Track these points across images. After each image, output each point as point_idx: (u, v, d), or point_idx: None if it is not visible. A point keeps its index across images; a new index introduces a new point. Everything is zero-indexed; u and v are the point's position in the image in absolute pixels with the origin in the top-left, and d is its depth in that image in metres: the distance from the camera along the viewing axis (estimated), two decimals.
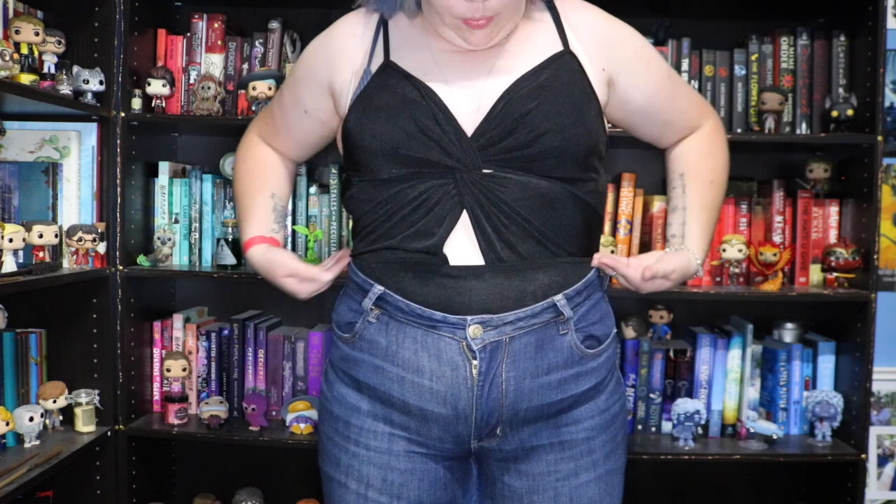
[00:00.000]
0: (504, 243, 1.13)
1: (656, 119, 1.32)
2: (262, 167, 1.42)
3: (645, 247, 2.13)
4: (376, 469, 1.19)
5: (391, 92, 1.16)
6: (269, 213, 1.39)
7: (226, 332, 2.20)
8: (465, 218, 1.14)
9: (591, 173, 1.19)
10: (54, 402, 1.92)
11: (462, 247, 1.14)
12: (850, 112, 2.04)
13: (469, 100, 1.15)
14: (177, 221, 2.18)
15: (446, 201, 1.13)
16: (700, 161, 1.35)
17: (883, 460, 2.33)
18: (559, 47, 1.19)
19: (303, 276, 1.32)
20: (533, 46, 1.19)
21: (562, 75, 1.17)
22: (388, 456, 1.18)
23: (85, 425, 1.97)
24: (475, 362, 1.13)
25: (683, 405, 2.05)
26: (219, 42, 2.17)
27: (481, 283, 1.13)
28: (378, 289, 1.16)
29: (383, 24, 1.24)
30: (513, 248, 1.13)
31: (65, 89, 1.87)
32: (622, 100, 1.26)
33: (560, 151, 1.14)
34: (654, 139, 1.37)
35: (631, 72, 1.25)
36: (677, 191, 1.35)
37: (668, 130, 1.35)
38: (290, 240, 2.16)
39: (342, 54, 1.24)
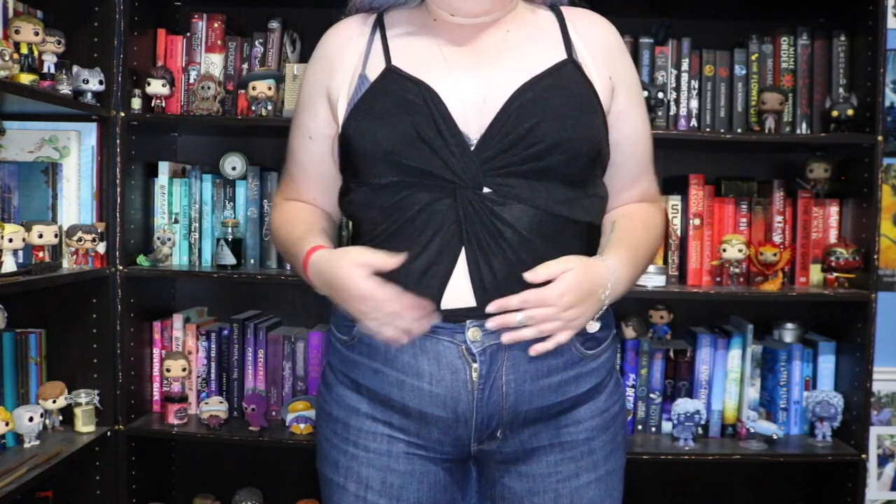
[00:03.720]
0: (497, 290, 1.11)
1: (628, 168, 1.26)
2: (299, 215, 1.30)
3: None
4: (375, 471, 1.18)
5: (392, 97, 1.15)
6: (325, 237, 1.24)
7: (226, 332, 2.20)
8: (462, 257, 1.11)
9: (593, 183, 1.19)
10: (54, 402, 1.92)
11: (457, 288, 1.12)
12: (850, 112, 2.04)
13: (473, 103, 1.14)
14: (177, 221, 2.18)
15: (444, 215, 1.11)
16: (636, 213, 1.27)
17: (883, 460, 2.33)
18: (563, 55, 1.18)
19: (374, 265, 1.10)
20: (535, 50, 1.19)
21: (564, 86, 1.15)
22: (388, 458, 1.18)
23: (85, 425, 1.97)
24: (475, 366, 1.12)
25: (683, 405, 2.05)
26: (219, 42, 2.17)
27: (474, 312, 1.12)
28: None
29: (380, 27, 1.23)
30: (507, 292, 1.11)
31: (64, 89, 1.87)
32: (612, 123, 1.21)
33: (564, 165, 1.12)
34: (612, 191, 1.26)
35: (628, 99, 1.23)
36: (605, 234, 1.23)
37: (630, 186, 1.27)
38: None
39: (338, 59, 1.23)
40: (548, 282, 1.09)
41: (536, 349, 1.11)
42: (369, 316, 1.10)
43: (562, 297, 1.09)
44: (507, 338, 1.10)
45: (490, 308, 1.10)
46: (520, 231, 1.11)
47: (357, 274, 1.09)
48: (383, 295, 1.08)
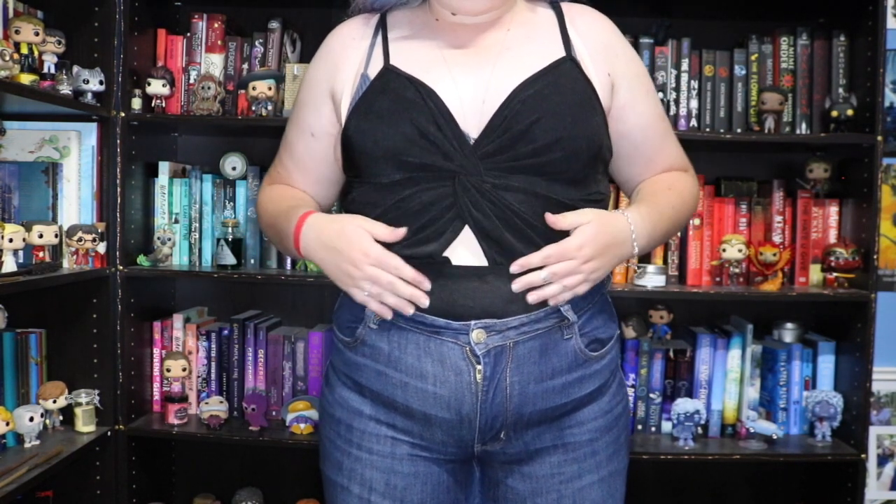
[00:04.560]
0: (506, 248, 1.11)
1: (642, 153, 1.27)
2: (290, 192, 1.31)
3: None
4: (379, 473, 1.18)
5: (391, 95, 1.15)
6: (317, 210, 1.25)
7: (226, 332, 2.20)
8: (467, 225, 1.12)
9: (594, 180, 1.18)
10: (54, 402, 1.92)
11: (464, 251, 1.12)
12: (850, 112, 2.04)
13: (472, 102, 1.14)
14: (177, 221, 2.18)
15: (449, 206, 1.11)
16: (660, 178, 1.28)
17: (883, 460, 2.33)
18: (561, 53, 1.18)
19: (376, 233, 1.11)
20: (535, 48, 1.19)
21: (563, 84, 1.15)
22: (391, 460, 1.18)
23: (85, 425, 1.97)
24: (479, 367, 1.12)
25: (683, 405, 2.05)
26: (219, 42, 2.17)
27: (484, 284, 1.12)
28: None
29: (382, 28, 1.23)
30: (515, 254, 1.11)
31: (65, 89, 1.87)
32: (617, 117, 1.22)
33: (563, 162, 1.12)
34: (631, 177, 1.30)
35: (632, 91, 1.23)
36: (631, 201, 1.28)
37: (648, 170, 1.29)
38: None
39: (342, 59, 1.23)
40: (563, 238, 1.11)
41: (556, 300, 1.12)
42: (365, 280, 1.11)
43: (580, 249, 1.10)
44: (532, 297, 1.11)
45: (513, 268, 1.11)
46: (521, 212, 1.11)
47: (365, 235, 1.11)
48: (391, 261, 1.10)
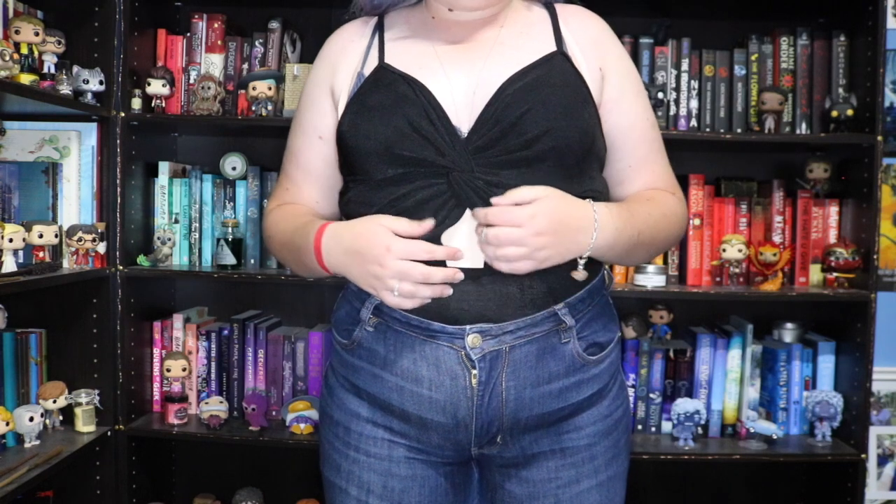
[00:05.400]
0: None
1: (624, 156, 1.23)
2: (301, 210, 1.28)
3: None
4: (377, 475, 1.18)
5: (384, 91, 1.15)
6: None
7: (226, 332, 2.20)
8: (461, 222, 1.11)
9: (589, 176, 1.18)
10: (54, 402, 1.92)
11: (461, 246, 1.11)
12: (849, 112, 2.04)
13: (464, 96, 1.14)
14: (177, 221, 2.18)
15: (443, 205, 1.11)
16: (641, 193, 1.23)
17: (883, 460, 2.33)
18: (553, 48, 1.19)
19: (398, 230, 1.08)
20: (527, 43, 1.19)
21: (553, 76, 1.15)
22: (389, 462, 1.18)
23: (85, 425, 1.97)
24: (475, 372, 1.11)
25: (683, 405, 2.05)
26: (219, 42, 2.17)
27: (479, 287, 1.11)
28: (375, 299, 1.14)
29: (380, 29, 1.24)
30: None
31: (65, 89, 1.87)
32: (603, 115, 1.20)
33: (554, 154, 1.12)
34: (612, 184, 1.24)
35: (621, 89, 1.22)
36: None
37: (630, 178, 1.24)
38: None
39: (340, 60, 1.24)
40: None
41: (498, 267, 1.07)
42: (392, 278, 1.06)
43: (533, 217, 1.04)
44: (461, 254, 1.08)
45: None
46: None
47: (385, 231, 1.07)
48: (418, 248, 1.06)
